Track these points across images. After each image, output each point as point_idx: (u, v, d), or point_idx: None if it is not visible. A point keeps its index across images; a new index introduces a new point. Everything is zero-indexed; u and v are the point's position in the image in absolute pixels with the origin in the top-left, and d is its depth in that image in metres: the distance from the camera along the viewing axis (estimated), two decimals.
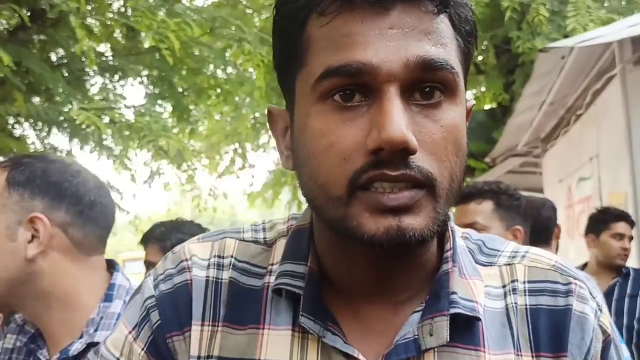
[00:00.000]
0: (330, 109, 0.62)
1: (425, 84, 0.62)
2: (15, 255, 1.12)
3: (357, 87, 0.61)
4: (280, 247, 0.75)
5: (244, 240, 0.76)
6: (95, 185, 1.20)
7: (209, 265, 0.74)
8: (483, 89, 9.12)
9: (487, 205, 2.10)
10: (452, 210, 0.74)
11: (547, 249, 2.55)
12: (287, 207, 10.73)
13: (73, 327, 1.12)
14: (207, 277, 0.73)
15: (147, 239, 2.62)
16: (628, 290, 3.17)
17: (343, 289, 0.70)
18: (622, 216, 3.31)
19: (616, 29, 4.08)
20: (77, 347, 1.09)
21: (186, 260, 0.74)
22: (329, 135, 0.61)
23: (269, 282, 0.71)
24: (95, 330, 1.12)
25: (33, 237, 1.12)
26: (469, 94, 9.66)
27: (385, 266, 0.68)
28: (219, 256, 0.75)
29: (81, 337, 1.12)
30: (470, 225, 1.97)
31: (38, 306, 1.14)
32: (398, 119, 0.58)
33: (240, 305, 0.71)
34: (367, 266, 0.68)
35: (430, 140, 0.61)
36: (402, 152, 0.59)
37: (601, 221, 3.31)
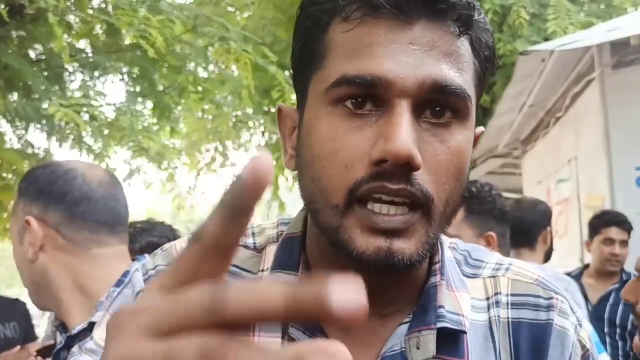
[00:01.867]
0: (340, 115, 0.62)
1: (436, 104, 0.62)
2: (25, 258, 1.22)
3: (370, 96, 0.61)
4: (270, 252, 0.74)
5: None
6: (84, 182, 1.23)
7: None
8: None
9: (457, 214, 2.05)
10: None
11: (531, 254, 2.55)
12: (268, 205, 10.71)
13: (86, 314, 1.19)
14: None
15: None
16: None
17: None
18: (613, 221, 3.27)
19: (595, 33, 4.14)
20: (80, 326, 1.16)
21: None
22: (335, 140, 0.61)
23: None
24: (97, 311, 1.16)
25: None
26: None
27: (375, 280, 0.67)
28: None
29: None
30: None
31: (55, 301, 1.23)
32: (405, 133, 0.58)
33: None
34: None
35: (434, 160, 0.61)
36: (405, 167, 0.58)
37: (594, 226, 3.30)
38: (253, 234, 0.77)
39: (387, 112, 0.60)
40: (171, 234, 2.47)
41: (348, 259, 0.62)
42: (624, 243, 3.24)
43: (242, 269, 0.73)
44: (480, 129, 0.73)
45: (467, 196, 2.04)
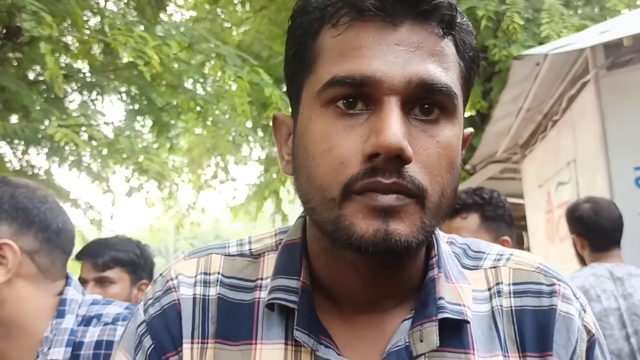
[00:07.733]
0: (333, 115, 0.64)
1: (424, 101, 0.64)
2: None
3: (360, 96, 0.63)
4: (269, 261, 0.76)
5: (229, 255, 0.77)
6: (61, 211, 1.19)
7: (195, 282, 0.75)
8: None
9: (473, 220, 2.06)
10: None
11: (620, 253, 2.45)
12: (271, 219, 10.70)
13: (32, 350, 1.11)
14: (194, 294, 0.74)
15: (81, 256, 2.55)
16: None
17: (335, 299, 0.72)
18: None
19: (589, 35, 4.15)
20: None
21: (172, 279, 0.75)
22: (329, 139, 0.64)
23: (259, 298, 0.72)
24: (49, 348, 1.10)
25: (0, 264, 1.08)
26: None
27: (375, 274, 0.69)
28: (205, 273, 0.75)
29: (37, 357, 1.10)
30: None
31: None
32: (395, 127, 0.60)
33: (232, 321, 0.72)
34: (357, 274, 0.69)
35: (425, 154, 0.63)
36: (396, 160, 0.61)
37: None
38: (250, 242, 0.80)
39: (378, 109, 0.63)
40: (138, 249, 2.51)
41: (348, 250, 0.63)
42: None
43: (239, 278, 0.75)
44: (469, 129, 0.75)
45: (481, 202, 2.09)
